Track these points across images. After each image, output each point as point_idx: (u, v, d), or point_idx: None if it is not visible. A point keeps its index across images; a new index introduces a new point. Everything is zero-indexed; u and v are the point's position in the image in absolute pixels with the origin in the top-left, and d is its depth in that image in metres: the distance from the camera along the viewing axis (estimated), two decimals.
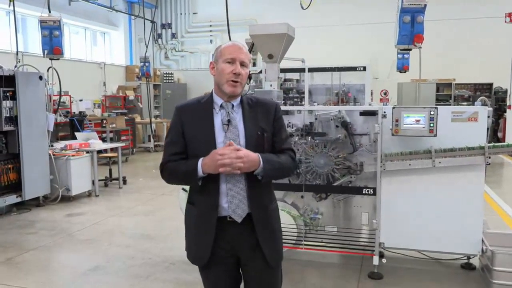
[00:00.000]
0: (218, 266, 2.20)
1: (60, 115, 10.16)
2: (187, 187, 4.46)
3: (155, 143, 13.85)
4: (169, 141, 2.23)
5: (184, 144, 2.18)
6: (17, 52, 7.34)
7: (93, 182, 7.64)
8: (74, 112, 11.57)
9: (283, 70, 8.61)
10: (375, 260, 4.12)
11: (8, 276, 4.31)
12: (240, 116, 2.17)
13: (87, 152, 7.56)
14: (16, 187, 6.58)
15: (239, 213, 2.13)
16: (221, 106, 2.17)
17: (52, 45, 6.89)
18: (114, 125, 11.86)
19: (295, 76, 10.00)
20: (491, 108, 4.11)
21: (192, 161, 2.11)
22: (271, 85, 4.49)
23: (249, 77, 2.23)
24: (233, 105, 2.17)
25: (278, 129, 2.23)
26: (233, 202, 2.12)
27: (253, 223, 2.15)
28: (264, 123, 2.18)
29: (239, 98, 2.20)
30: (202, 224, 2.16)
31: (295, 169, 2.29)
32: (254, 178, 2.11)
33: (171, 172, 2.19)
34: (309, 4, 7.84)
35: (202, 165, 2.06)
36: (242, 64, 2.12)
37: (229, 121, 2.13)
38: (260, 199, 2.18)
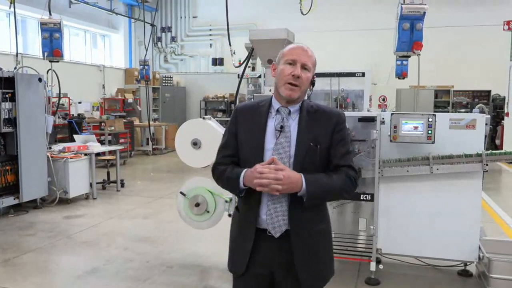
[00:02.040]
0: (252, 279, 2.07)
1: (59, 117, 10.16)
2: (185, 191, 4.49)
3: (154, 147, 13.85)
4: (223, 143, 2.15)
5: (236, 146, 2.09)
6: (17, 53, 7.34)
7: (91, 185, 7.63)
8: (73, 115, 11.56)
9: None
10: (372, 266, 4.13)
11: (6, 278, 4.30)
12: (296, 123, 2.01)
13: (86, 154, 7.56)
14: (14, 189, 6.56)
15: (277, 228, 1.99)
16: (277, 110, 2.04)
17: (52, 47, 6.89)
18: (112, 128, 11.86)
19: None
20: (489, 116, 4.13)
21: (237, 170, 2.01)
22: (270, 90, 4.51)
23: (312, 83, 2.06)
24: (290, 111, 2.03)
25: (337, 142, 2.02)
26: (271, 216, 1.99)
27: (292, 241, 1.99)
28: (321, 134, 2.00)
29: (298, 104, 2.05)
30: (241, 233, 2.09)
31: (353, 189, 2.04)
32: (299, 197, 1.94)
33: (218, 177, 2.12)
34: (309, 10, 7.87)
35: (244, 177, 1.96)
36: (304, 67, 1.98)
37: (282, 127, 1.99)
38: (303, 217, 1.99)
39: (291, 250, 1.99)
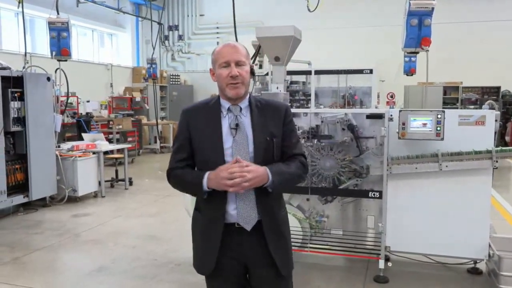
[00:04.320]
0: (224, 276, 2.12)
1: (67, 116, 10.20)
2: None
3: (161, 145, 13.89)
4: (176, 147, 2.16)
5: (191, 149, 2.11)
6: (25, 53, 7.39)
7: (99, 183, 7.67)
8: (81, 113, 11.62)
9: (290, 73, 8.61)
10: (381, 263, 4.11)
11: (14, 276, 4.33)
12: (249, 120, 2.08)
13: (94, 153, 7.60)
14: (23, 187, 6.61)
15: (249, 221, 2.05)
16: (229, 109, 2.08)
17: (60, 46, 6.93)
18: (120, 126, 11.91)
19: (301, 78, 10.02)
20: (498, 112, 4.08)
21: (198, 173, 2.05)
22: (277, 88, 4.49)
23: (252, 73, 2.11)
24: (241, 108, 2.09)
25: (288, 133, 2.13)
26: (242, 209, 2.04)
27: (263, 231, 2.07)
28: (274, 127, 2.09)
29: (247, 100, 2.12)
30: (208, 232, 2.10)
31: (306, 174, 2.20)
32: (264, 188, 2.02)
33: (177, 181, 2.14)
34: (316, 7, 7.84)
35: (208, 180, 1.99)
36: (238, 64, 2.03)
37: (237, 125, 2.05)
38: (270, 206, 2.09)
39: (263, 239, 2.07)
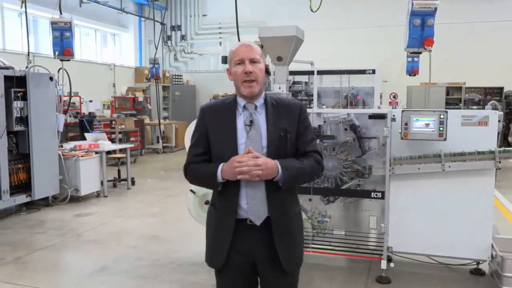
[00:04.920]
0: (234, 270, 2.18)
1: (70, 116, 10.21)
2: (195, 189, 4.49)
3: (164, 145, 13.90)
4: (193, 142, 2.24)
5: (207, 145, 2.19)
6: (28, 53, 7.41)
7: (101, 183, 7.68)
8: (84, 113, 11.64)
9: (292, 73, 8.61)
10: (383, 264, 4.10)
11: (16, 275, 4.34)
12: (263, 117, 2.15)
13: (96, 152, 7.61)
14: (25, 186, 6.63)
15: (258, 216, 2.11)
16: (244, 107, 2.16)
17: (63, 46, 6.94)
18: (123, 126, 11.92)
19: (304, 78, 10.00)
20: (501, 112, 4.07)
21: (213, 165, 2.11)
22: (279, 88, 4.48)
23: (267, 72, 2.19)
24: (256, 106, 2.16)
25: (302, 131, 2.18)
26: (252, 205, 2.10)
27: (272, 227, 2.12)
28: (287, 124, 2.14)
29: (262, 99, 2.19)
30: (221, 227, 2.17)
31: (321, 172, 2.25)
32: (275, 182, 2.08)
33: (193, 174, 2.21)
34: (318, 7, 7.83)
35: (222, 171, 2.06)
36: (253, 61, 2.10)
37: (251, 122, 2.12)
38: (281, 202, 2.14)
39: (271, 236, 2.11)
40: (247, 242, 2.14)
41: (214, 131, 2.17)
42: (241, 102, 2.17)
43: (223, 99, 2.28)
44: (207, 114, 2.22)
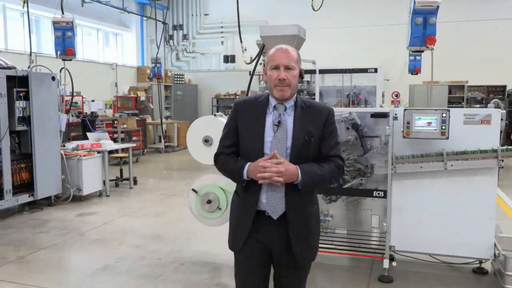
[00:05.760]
0: (250, 255, 2.32)
1: (72, 116, 10.24)
2: (197, 188, 4.49)
3: (166, 144, 13.91)
4: (224, 134, 2.38)
5: (236, 138, 2.32)
6: (31, 53, 7.42)
7: (104, 182, 7.70)
8: (86, 113, 11.65)
9: None
10: (385, 263, 4.10)
11: (19, 274, 4.35)
12: (291, 118, 2.25)
13: (99, 152, 7.62)
14: (28, 186, 6.64)
15: (276, 211, 2.23)
16: (274, 107, 2.26)
17: (65, 46, 6.95)
18: (125, 126, 11.93)
19: (306, 77, 9.97)
20: (504, 111, 4.06)
21: (240, 162, 2.26)
22: None
23: (301, 76, 2.29)
24: (285, 107, 2.26)
25: (327, 135, 2.28)
26: (271, 201, 2.23)
27: (288, 222, 2.23)
28: (314, 127, 2.24)
29: (293, 100, 2.28)
30: (242, 215, 2.32)
31: (341, 176, 2.38)
32: (294, 184, 2.19)
33: (221, 166, 2.36)
34: (320, 6, 7.81)
35: (247, 170, 2.19)
36: (288, 68, 2.19)
37: (279, 122, 2.23)
38: (298, 200, 2.25)
39: (287, 230, 2.24)
40: (265, 232, 2.27)
41: (244, 126, 2.29)
42: (272, 102, 2.28)
43: (256, 96, 2.38)
44: (240, 109, 2.34)
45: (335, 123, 2.34)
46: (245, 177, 2.21)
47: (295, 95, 2.31)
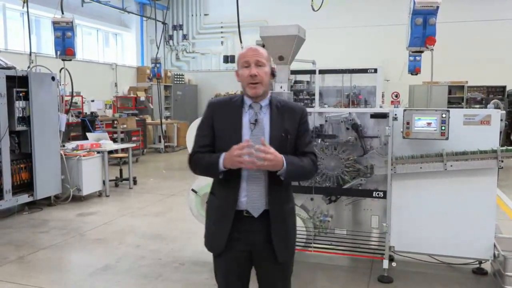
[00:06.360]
0: (231, 257, 2.31)
1: (72, 116, 10.24)
2: (197, 188, 4.49)
3: (166, 144, 13.91)
4: (199, 134, 2.36)
5: (212, 137, 2.31)
6: (30, 53, 7.43)
7: (103, 182, 7.70)
8: (86, 113, 11.65)
9: (294, 72, 8.61)
10: (385, 263, 4.10)
11: (20, 274, 4.35)
12: (268, 117, 2.28)
13: (98, 152, 7.62)
14: (28, 186, 6.64)
15: (256, 209, 2.24)
16: (250, 106, 2.28)
17: (65, 46, 6.96)
18: (125, 126, 11.93)
19: (305, 77, 9.98)
20: (504, 111, 4.06)
21: (216, 155, 2.22)
22: (281, 87, 4.48)
23: (273, 74, 2.32)
24: (261, 106, 2.29)
25: (302, 133, 2.32)
26: (251, 198, 2.23)
27: (269, 220, 2.25)
28: (289, 125, 2.28)
29: (268, 100, 2.31)
30: (221, 216, 2.30)
31: (316, 172, 2.40)
32: (275, 177, 2.20)
33: (196, 163, 2.32)
34: (320, 6, 7.82)
35: (223, 160, 2.16)
36: (258, 65, 2.22)
37: (256, 120, 2.25)
38: (278, 197, 2.28)
39: (268, 227, 2.26)
40: (244, 232, 2.27)
41: (220, 125, 2.29)
42: (247, 101, 2.30)
43: (230, 96, 2.39)
44: (215, 109, 2.34)
45: (308, 122, 2.39)
46: (221, 167, 2.17)
47: (269, 95, 2.33)
